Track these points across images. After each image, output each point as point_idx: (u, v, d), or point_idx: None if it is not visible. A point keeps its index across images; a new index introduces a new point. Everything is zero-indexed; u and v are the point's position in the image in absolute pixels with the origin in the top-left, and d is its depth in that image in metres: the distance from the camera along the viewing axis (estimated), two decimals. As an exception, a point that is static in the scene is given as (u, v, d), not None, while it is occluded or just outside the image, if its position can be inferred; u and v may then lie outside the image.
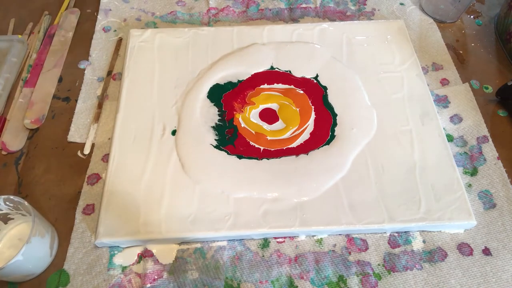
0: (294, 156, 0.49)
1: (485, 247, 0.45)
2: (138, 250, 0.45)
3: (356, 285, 0.43)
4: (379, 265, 0.44)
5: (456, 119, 0.54)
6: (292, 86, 0.56)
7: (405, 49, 0.59)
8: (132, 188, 0.47)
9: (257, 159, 0.49)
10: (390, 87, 0.55)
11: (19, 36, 0.62)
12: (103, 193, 0.47)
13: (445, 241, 0.45)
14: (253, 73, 0.57)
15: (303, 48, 0.59)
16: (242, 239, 0.46)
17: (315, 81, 0.56)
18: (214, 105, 0.54)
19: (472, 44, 0.63)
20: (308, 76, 0.57)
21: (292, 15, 0.67)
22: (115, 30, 0.65)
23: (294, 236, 0.46)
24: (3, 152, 0.52)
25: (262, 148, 0.50)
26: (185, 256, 0.45)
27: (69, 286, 0.43)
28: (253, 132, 0.52)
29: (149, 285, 0.43)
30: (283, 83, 0.56)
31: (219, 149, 0.50)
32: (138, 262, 0.44)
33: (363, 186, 0.47)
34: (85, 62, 0.61)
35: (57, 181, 0.50)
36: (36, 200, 0.48)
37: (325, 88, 0.56)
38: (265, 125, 0.53)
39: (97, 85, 0.58)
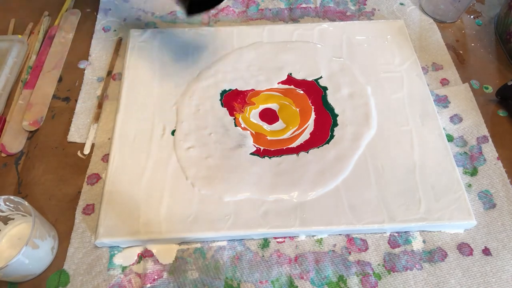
0: (295, 155, 0.49)
1: (485, 247, 0.45)
2: (138, 250, 0.45)
3: (356, 285, 0.43)
4: (379, 265, 0.44)
5: (456, 119, 0.54)
6: (292, 86, 0.56)
7: (405, 49, 0.59)
8: (132, 188, 0.47)
9: (258, 156, 0.49)
10: (390, 87, 0.55)
11: (19, 36, 0.62)
12: (103, 193, 0.47)
13: (445, 241, 0.45)
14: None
15: (303, 47, 0.59)
16: (242, 239, 0.46)
17: (314, 82, 0.56)
18: (214, 105, 0.54)
19: (472, 44, 0.63)
20: (309, 78, 0.57)
21: (292, 15, 0.67)
22: (115, 30, 0.65)
23: (294, 236, 0.46)
24: (2, 154, 0.52)
25: (262, 148, 0.50)
26: (185, 256, 0.45)
27: (69, 286, 0.43)
28: (253, 132, 0.52)
29: (149, 285, 0.43)
30: (283, 83, 0.56)
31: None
32: (138, 262, 0.44)
33: (363, 186, 0.47)
34: (85, 62, 0.61)
35: (57, 181, 0.50)
36: (36, 200, 0.48)
37: (324, 88, 0.56)
38: (265, 125, 0.53)
39: (97, 85, 0.58)
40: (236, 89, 0.56)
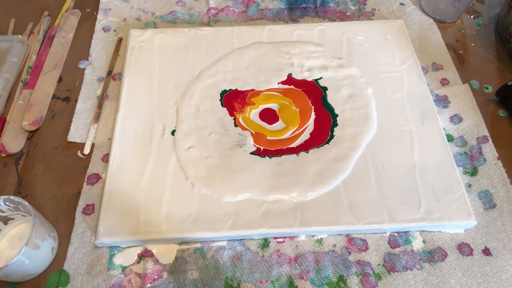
0: (295, 155, 0.49)
1: (485, 247, 0.45)
2: (138, 250, 0.45)
3: (356, 285, 0.43)
4: (379, 265, 0.44)
5: (456, 119, 0.54)
6: (292, 86, 0.56)
7: (405, 49, 0.59)
8: (132, 188, 0.47)
9: (258, 156, 0.49)
10: (390, 87, 0.55)
11: (19, 36, 0.62)
12: (103, 193, 0.47)
13: (445, 241, 0.45)
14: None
15: (303, 47, 0.59)
16: (242, 239, 0.46)
17: (314, 82, 0.56)
18: (214, 105, 0.54)
19: (472, 44, 0.63)
20: (309, 78, 0.57)
21: (292, 15, 0.67)
22: (115, 30, 0.65)
23: (294, 236, 0.46)
24: (2, 154, 0.52)
25: (262, 148, 0.50)
26: (185, 256, 0.45)
27: (69, 286, 0.43)
28: (253, 132, 0.52)
29: (149, 285, 0.43)
30: (283, 83, 0.56)
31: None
32: (138, 262, 0.44)
33: (363, 186, 0.47)
34: (85, 62, 0.61)
35: (57, 181, 0.50)
36: (36, 200, 0.48)
37: (324, 88, 0.56)
38: (265, 125, 0.53)
39: (97, 85, 0.58)
40: (236, 89, 0.56)
